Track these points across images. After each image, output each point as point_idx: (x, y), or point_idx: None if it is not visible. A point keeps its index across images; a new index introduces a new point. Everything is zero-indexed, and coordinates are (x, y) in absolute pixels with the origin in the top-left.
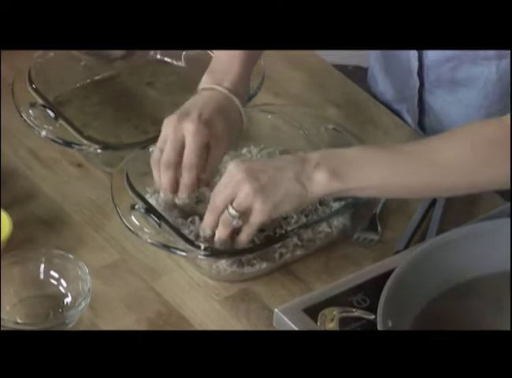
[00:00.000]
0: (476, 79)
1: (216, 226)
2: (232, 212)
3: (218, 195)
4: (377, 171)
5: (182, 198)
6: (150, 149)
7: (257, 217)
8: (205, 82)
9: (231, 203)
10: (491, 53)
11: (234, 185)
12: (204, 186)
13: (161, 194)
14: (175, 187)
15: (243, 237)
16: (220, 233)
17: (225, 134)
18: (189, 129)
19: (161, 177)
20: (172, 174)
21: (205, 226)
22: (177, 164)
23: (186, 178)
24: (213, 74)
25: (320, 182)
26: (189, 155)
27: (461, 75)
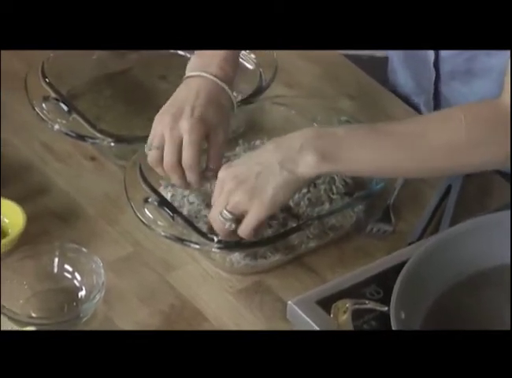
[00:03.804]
0: (491, 70)
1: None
2: (227, 215)
3: (215, 205)
4: (368, 154)
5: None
6: (146, 149)
7: (255, 216)
8: (192, 67)
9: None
10: None
11: (226, 195)
12: (212, 172)
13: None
14: (187, 183)
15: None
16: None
17: (221, 122)
18: (185, 128)
19: (172, 178)
20: (180, 172)
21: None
22: (180, 162)
23: (190, 177)
24: (200, 58)
25: (309, 164)
26: (187, 154)
27: (477, 66)
